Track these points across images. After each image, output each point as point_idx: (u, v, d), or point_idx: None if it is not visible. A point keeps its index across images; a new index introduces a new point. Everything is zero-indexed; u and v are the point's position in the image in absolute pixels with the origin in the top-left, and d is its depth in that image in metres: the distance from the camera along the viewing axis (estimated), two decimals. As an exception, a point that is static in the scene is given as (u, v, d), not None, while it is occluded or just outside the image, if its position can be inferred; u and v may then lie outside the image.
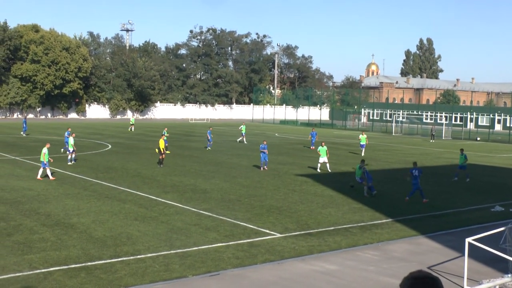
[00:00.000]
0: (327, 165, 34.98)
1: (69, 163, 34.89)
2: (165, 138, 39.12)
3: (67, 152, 35.81)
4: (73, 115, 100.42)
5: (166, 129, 46.47)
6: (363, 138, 46.08)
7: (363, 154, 45.14)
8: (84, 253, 15.76)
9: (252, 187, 28.34)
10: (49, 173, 28.83)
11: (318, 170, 34.83)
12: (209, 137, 47.73)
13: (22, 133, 57.92)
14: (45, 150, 29.19)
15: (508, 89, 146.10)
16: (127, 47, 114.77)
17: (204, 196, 25.15)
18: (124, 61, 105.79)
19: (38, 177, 28.80)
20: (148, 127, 76.47)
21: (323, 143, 35.37)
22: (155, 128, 75.54)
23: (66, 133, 41.19)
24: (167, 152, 40.29)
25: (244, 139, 54.79)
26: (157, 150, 39.02)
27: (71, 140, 35.53)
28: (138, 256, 15.63)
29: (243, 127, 55.98)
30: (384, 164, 40.66)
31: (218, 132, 72.14)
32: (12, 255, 15.39)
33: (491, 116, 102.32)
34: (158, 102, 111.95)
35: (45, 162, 28.90)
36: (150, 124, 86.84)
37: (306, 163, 39.59)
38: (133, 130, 67.79)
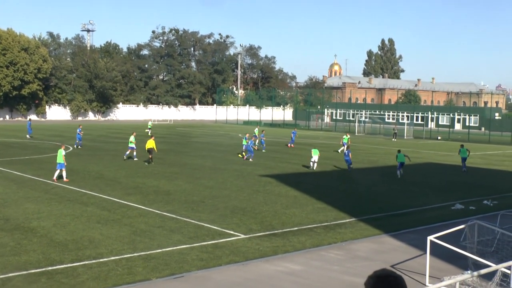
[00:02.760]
0: (315, 164, 37.03)
1: (135, 159, 38.43)
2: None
3: (129, 151, 39.03)
4: (33, 117, 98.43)
5: (258, 128, 49.27)
6: (345, 138, 50.44)
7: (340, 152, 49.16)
8: (44, 258, 15.49)
9: (216, 188, 28.27)
10: (64, 174, 29.05)
11: (313, 169, 37.12)
12: (292, 137, 54.04)
13: (28, 136, 56.34)
14: (63, 152, 29.36)
15: (467, 89, 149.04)
16: (88, 48, 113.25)
17: (168, 198, 25.00)
18: (85, 62, 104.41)
19: (66, 179, 28.92)
20: (110, 129, 75.66)
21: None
22: (118, 129, 74.80)
23: (78, 130, 47.42)
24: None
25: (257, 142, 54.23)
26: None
27: (131, 138, 39.22)
28: (101, 260, 15.44)
29: (256, 131, 55.89)
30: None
31: (182, 133, 71.79)
32: (-31, 261, 15.02)
33: (451, 115, 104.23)
34: (120, 103, 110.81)
35: (65, 164, 29.25)
36: (113, 125, 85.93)
37: (269, 163, 39.68)
38: (149, 133, 62.48)
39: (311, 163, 37.40)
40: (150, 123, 72.64)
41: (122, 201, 23.92)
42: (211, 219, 20.83)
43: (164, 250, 16.56)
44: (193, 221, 20.48)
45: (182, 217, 21.02)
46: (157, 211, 22.01)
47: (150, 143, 37.24)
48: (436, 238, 14.59)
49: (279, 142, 58.86)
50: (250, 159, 40.79)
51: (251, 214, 22.08)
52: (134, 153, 38.92)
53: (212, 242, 17.67)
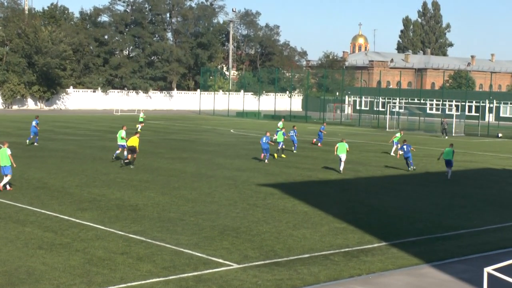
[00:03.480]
0: (342, 164, 38.73)
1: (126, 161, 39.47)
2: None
3: (120, 149, 41.04)
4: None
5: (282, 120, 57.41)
6: (398, 136, 50.85)
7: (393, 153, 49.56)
8: (-32, 295, 15.47)
9: (200, 201, 28.26)
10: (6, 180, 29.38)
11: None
12: (320, 133, 56.87)
13: None
14: (8, 151, 29.65)
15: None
16: (26, 12, 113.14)
17: (135, 215, 24.96)
18: (22, 31, 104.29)
19: (9, 187, 29.47)
20: (58, 121, 75.52)
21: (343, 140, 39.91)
22: (67, 122, 74.70)
23: (34, 122, 49.46)
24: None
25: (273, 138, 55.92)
26: None
27: (122, 133, 41.14)
28: (44, 298, 15.42)
29: (280, 124, 57.64)
30: (376, 170, 40.97)
31: (154, 128, 71.69)
32: None
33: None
34: (71, 87, 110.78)
35: (14, 165, 29.83)
36: (61, 117, 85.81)
37: (272, 168, 39.64)
38: (139, 129, 60.23)
39: (341, 165, 38.35)
40: (142, 115, 73.41)
41: (73, 219, 23.84)
42: (193, 243, 20.81)
43: (130, 285, 16.51)
44: (169, 245, 20.45)
45: (155, 240, 20.98)
46: (120, 233, 21.96)
47: (133, 141, 38.79)
48: (495, 270, 14.55)
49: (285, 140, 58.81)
50: (266, 160, 42.74)
51: (246, 236, 22.06)
52: (125, 152, 40.18)
53: (195, 273, 17.63)
